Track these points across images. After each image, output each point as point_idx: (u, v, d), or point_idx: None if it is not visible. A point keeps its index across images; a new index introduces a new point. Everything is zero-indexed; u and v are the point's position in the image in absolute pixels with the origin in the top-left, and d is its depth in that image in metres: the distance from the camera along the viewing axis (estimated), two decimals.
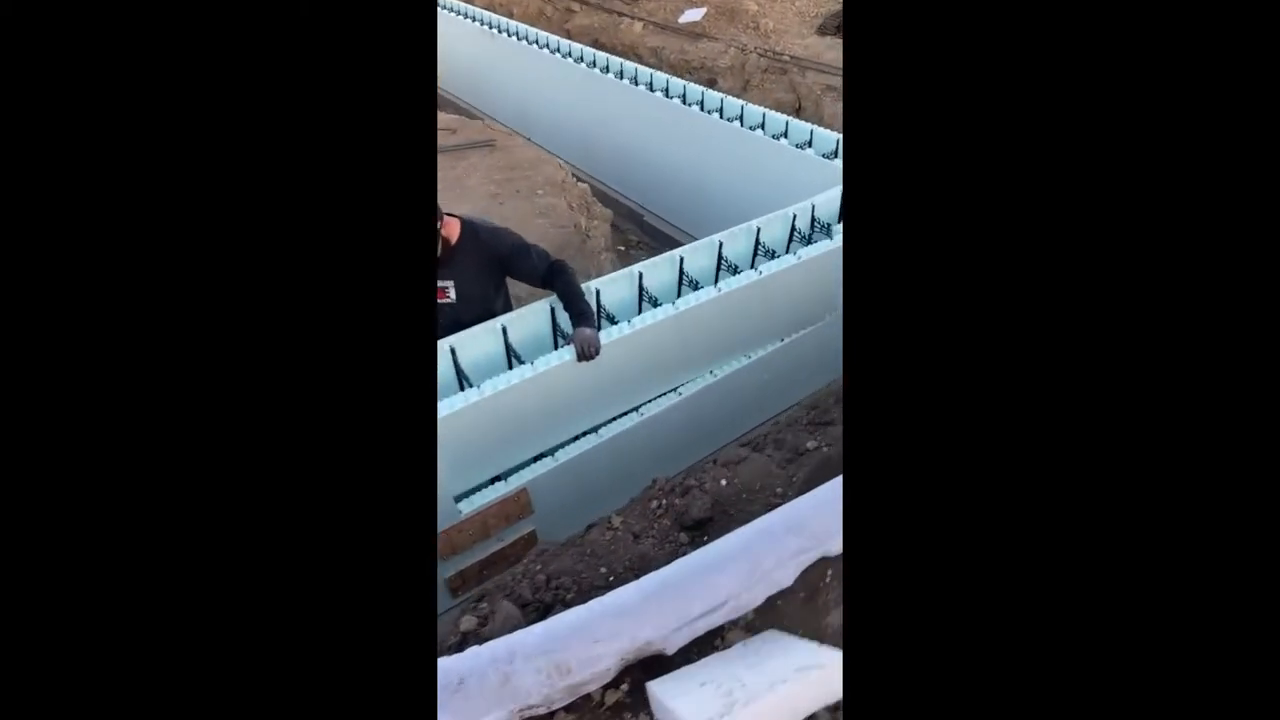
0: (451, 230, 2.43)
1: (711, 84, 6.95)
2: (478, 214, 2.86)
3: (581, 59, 6.06)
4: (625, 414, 3.04)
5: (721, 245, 3.27)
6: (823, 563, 1.49)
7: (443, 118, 5.98)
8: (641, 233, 5.97)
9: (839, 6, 7.06)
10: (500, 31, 7.11)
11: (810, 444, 1.89)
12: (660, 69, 7.54)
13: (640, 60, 7.60)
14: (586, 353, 2.47)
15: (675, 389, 3.17)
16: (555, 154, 7.02)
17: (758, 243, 3.33)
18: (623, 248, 5.93)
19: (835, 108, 5.89)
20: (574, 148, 6.81)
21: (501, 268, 2.59)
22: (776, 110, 6.72)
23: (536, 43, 6.69)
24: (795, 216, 3.41)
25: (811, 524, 1.53)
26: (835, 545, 1.50)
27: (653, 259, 3.20)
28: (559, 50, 6.39)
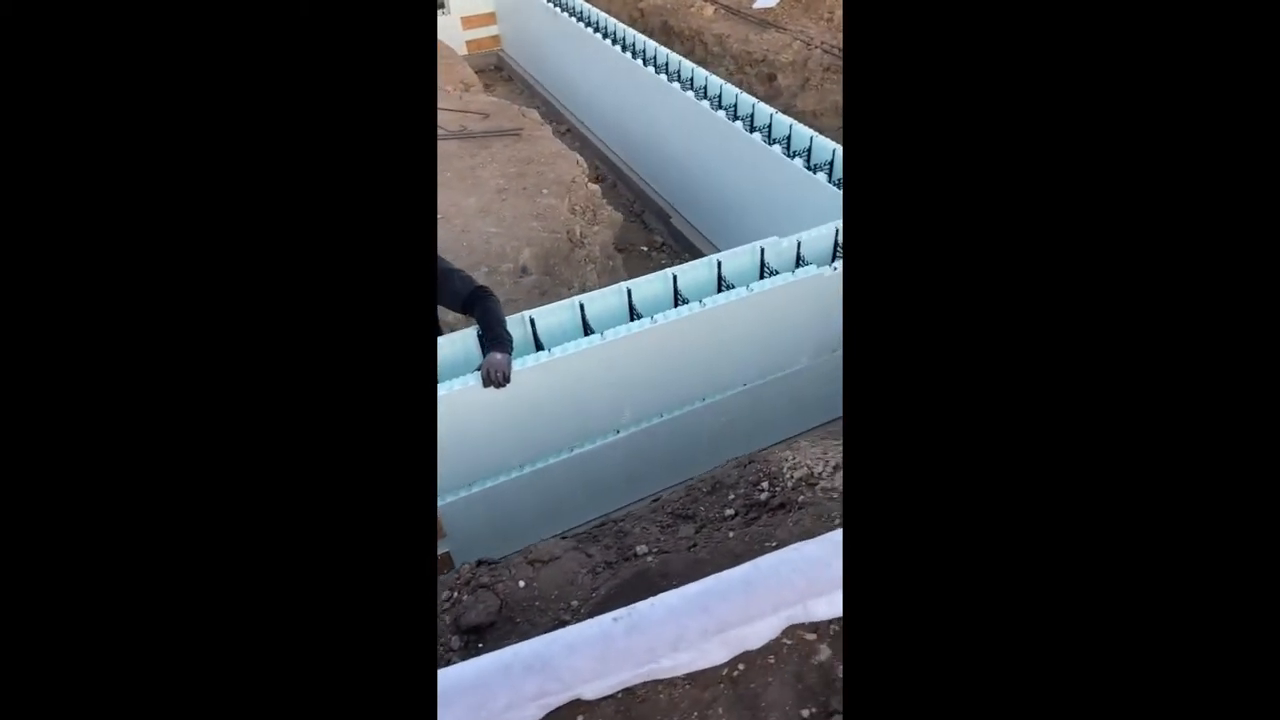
0: None
1: (771, 79, 6.58)
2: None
3: (631, 47, 5.85)
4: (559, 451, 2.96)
5: (720, 265, 3.09)
6: (573, 706, 1.37)
7: (481, 100, 5.95)
8: (668, 235, 5.77)
9: None
10: (561, 10, 6.97)
11: (641, 548, 1.75)
12: (723, 59, 7.21)
13: (705, 47, 7.28)
14: (492, 378, 2.43)
15: (617, 430, 3.05)
16: (602, 140, 6.93)
17: (719, 276, 3.11)
18: (645, 248, 5.77)
19: None
20: (617, 138, 6.66)
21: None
22: (833, 113, 6.31)
23: (594, 25, 6.52)
24: (763, 250, 3.16)
25: (559, 664, 1.41)
26: (591, 689, 1.38)
27: (632, 280, 3.04)
28: (612, 35, 6.20)
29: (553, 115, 8.17)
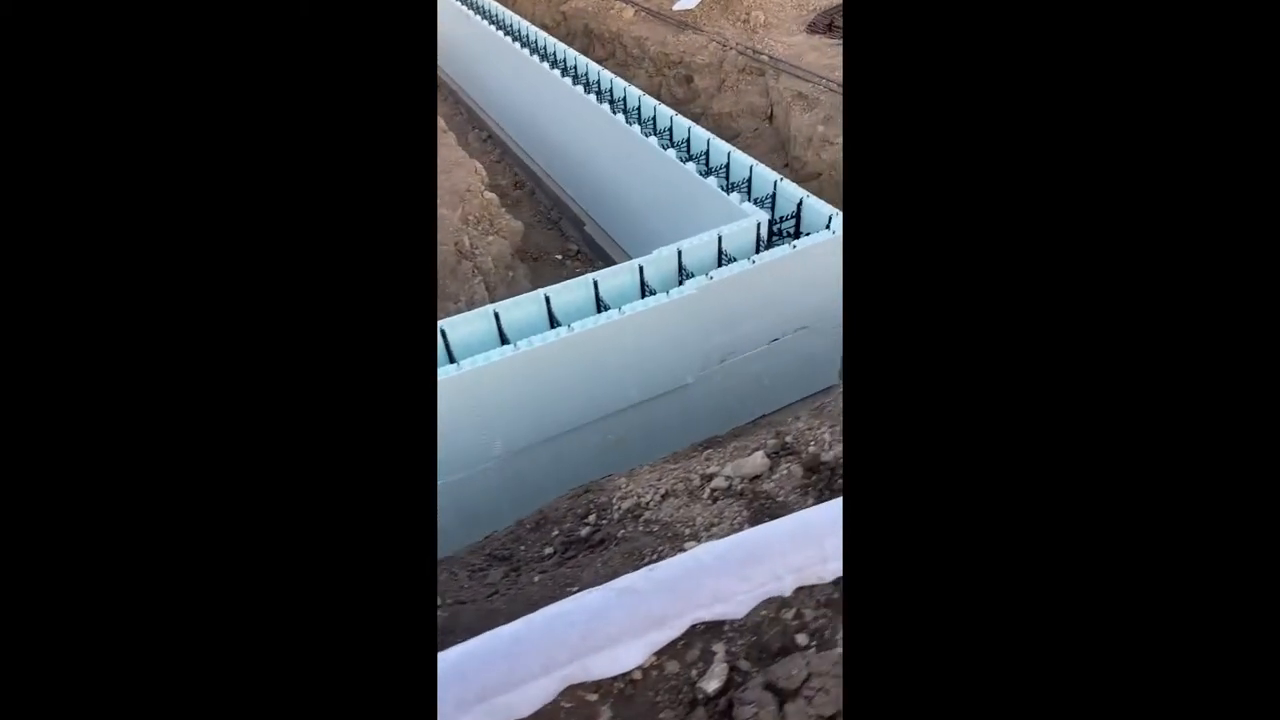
0: None
1: (689, 80, 6.50)
2: None
3: (549, 55, 5.72)
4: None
5: (598, 285, 2.97)
6: None
7: None
8: (582, 241, 5.65)
9: (834, 2, 6.43)
10: (474, 13, 6.82)
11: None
12: (643, 61, 7.11)
13: (626, 50, 7.18)
14: None
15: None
16: (521, 146, 6.79)
17: (596, 296, 2.99)
18: (560, 256, 5.64)
19: (804, 118, 5.38)
20: (535, 144, 6.52)
21: None
22: (748, 115, 6.25)
23: (508, 29, 6.37)
24: (642, 269, 3.05)
25: None
26: None
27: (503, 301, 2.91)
28: (527, 41, 6.06)
29: (474, 121, 8.01)
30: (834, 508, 1.45)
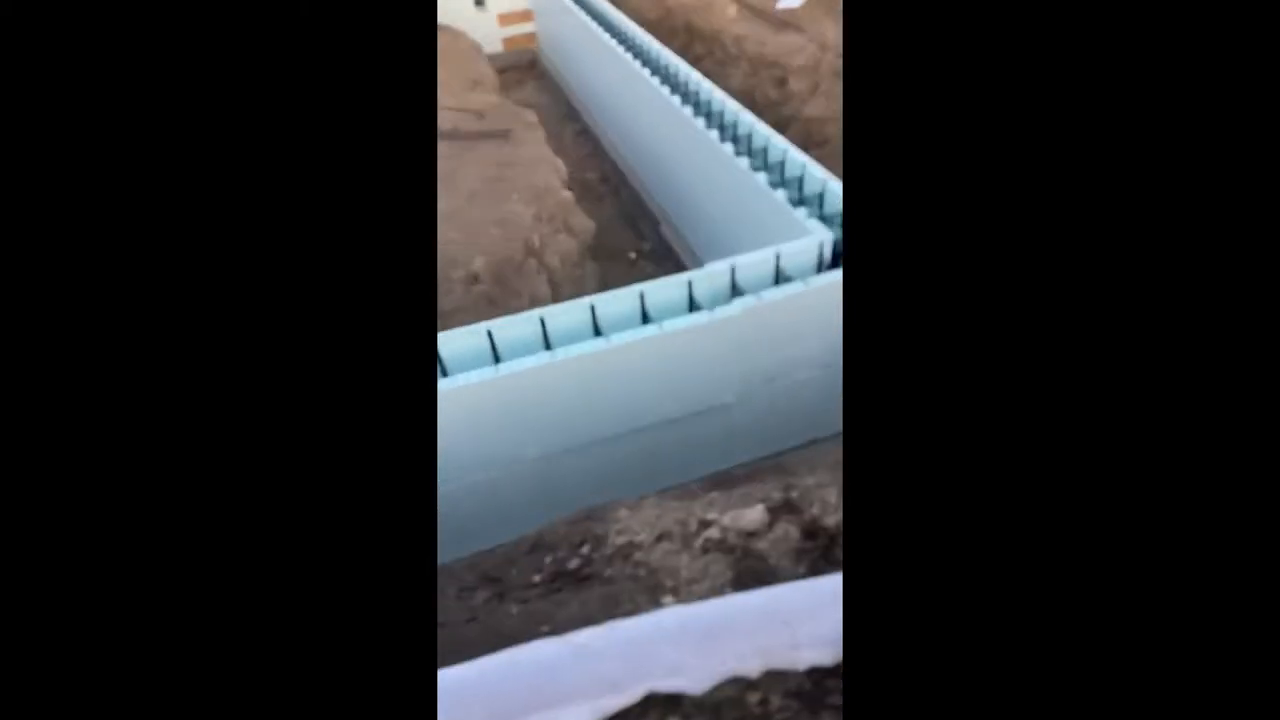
0: None
1: (783, 83, 6.27)
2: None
3: (643, 54, 5.67)
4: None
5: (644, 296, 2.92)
6: None
7: (480, 100, 5.88)
8: (656, 241, 5.58)
9: None
10: (581, 9, 6.85)
11: None
12: (739, 61, 6.91)
13: (724, 49, 7.02)
14: None
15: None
16: (612, 142, 6.77)
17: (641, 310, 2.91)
18: (632, 255, 5.60)
19: None
20: (624, 141, 6.49)
21: None
22: (839, 120, 5.93)
23: (610, 27, 6.36)
24: (691, 284, 2.95)
25: None
26: None
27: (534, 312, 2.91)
28: (625, 39, 6.03)
29: (572, 114, 8.08)
30: (815, 588, 1.34)
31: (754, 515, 1.63)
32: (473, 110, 5.61)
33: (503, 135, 5.23)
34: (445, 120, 5.42)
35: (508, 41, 9.25)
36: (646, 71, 5.34)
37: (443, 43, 7.15)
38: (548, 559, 1.82)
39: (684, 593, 1.52)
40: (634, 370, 2.84)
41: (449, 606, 1.69)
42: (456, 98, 5.95)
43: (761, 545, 1.58)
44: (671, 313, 2.92)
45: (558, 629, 1.52)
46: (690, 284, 3.00)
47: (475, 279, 3.93)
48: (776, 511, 1.65)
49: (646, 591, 1.56)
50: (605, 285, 4.86)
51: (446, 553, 2.74)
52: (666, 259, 5.33)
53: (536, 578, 1.76)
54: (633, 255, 5.59)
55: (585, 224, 4.60)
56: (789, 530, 1.58)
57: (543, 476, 2.98)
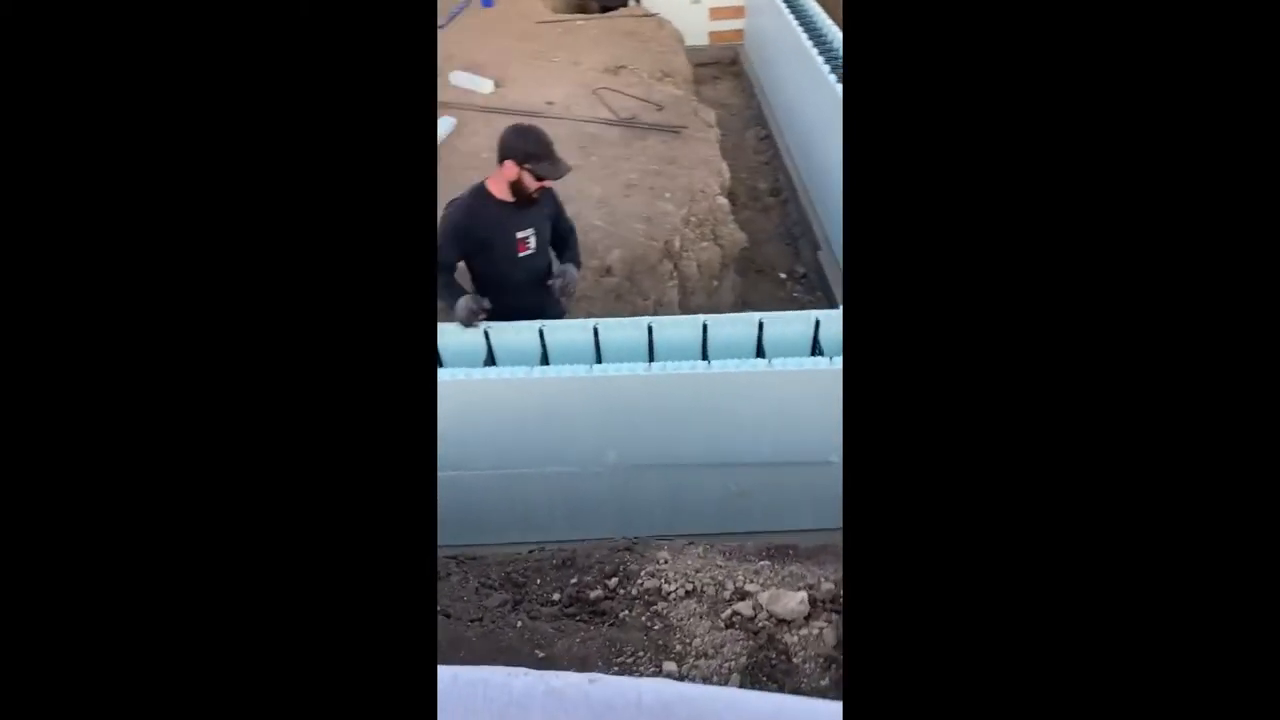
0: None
1: None
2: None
3: (835, 63, 5.37)
4: None
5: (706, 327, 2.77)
6: None
7: (664, 91, 5.86)
8: (812, 265, 5.29)
9: None
10: (789, 11, 6.61)
11: None
12: None
13: None
14: (567, 289, 2.76)
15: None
16: (790, 153, 6.50)
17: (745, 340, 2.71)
18: (784, 275, 5.35)
19: None
20: (802, 155, 6.20)
21: (552, 223, 2.89)
22: None
23: (813, 32, 6.09)
24: (762, 324, 2.70)
25: None
26: None
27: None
28: (823, 43, 5.74)
29: (759, 119, 7.86)
30: (820, 711, 1.14)
31: (793, 603, 1.44)
32: (654, 102, 5.62)
33: (675, 131, 5.18)
34: (625, 108, 5.47)
35: (715, 35, 9.18)
36: (834, 79, 5.04)
37: (645, 30, 7.22)
38: (573, 579, 1.73)
39: (688, 664, 1.37)
40: (738, 402, 2.67)
41: (465, 599, 1.66)
42: (644, 86, 5.99)
43: (790, 639, 1.39)
44: (788, 349, 2.71)
45: (552, 658, 1.43)
46: (818, 324, 2.77)
47: (608, 271, 3.92)
48: (820, 605, 1.45)
49: (652, 649, 1.43)
50: (742, 302, 4.68)
51: (502, 535, 2.77)
52: (818, 287, 5.03)
53: (556, 596, 1.69)
54: (783, 276, 5.34)
55: (735, 235, 4.44)
56: (825, 632, 1.37)
57: (616, 483, 2.90)
